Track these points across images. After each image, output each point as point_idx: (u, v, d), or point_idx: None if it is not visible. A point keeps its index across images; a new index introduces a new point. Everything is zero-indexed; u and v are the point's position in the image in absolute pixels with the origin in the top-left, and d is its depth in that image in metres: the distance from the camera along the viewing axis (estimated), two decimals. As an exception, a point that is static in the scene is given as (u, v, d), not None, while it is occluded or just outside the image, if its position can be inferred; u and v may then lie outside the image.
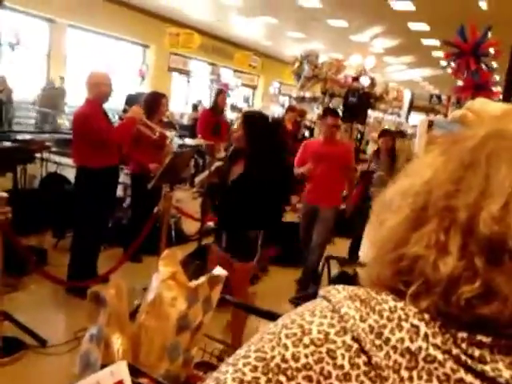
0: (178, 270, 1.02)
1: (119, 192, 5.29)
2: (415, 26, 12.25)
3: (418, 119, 24.55)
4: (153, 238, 3.85)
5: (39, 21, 13.58)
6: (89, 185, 4.09)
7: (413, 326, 0.54)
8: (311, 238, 4.78)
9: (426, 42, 13.98)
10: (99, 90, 3.98)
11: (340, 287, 0.61)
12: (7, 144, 4.25)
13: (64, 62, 14.71)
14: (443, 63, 11.07)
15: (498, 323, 0.52)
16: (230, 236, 3.16)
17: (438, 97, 22.35)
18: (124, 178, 5.18)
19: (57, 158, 5.71)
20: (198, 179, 5.14)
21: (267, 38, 18.54)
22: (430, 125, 0.77)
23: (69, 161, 5.61)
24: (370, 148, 13.06)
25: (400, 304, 0.56)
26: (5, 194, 2.74)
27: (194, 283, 1.02)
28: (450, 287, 0.53)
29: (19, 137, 4.82)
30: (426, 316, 0.55)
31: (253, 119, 3.22)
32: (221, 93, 7.37)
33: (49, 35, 14.13)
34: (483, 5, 9.54)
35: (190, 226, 5.70)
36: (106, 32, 15.42)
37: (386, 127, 16.42)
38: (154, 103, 4.88)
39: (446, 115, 21.11)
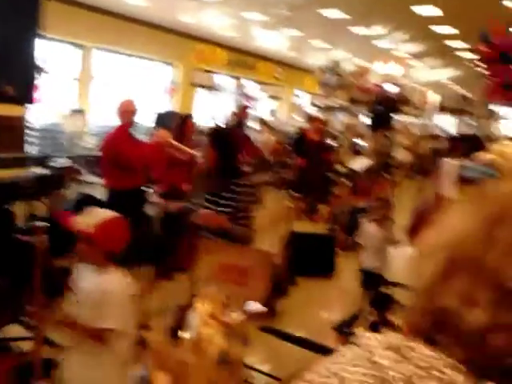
0: (216, 308, 1.05)
1: (151, 212, 5.38)
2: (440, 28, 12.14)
3: (447, 121, 24.12)
4: (182, 254, 3.93)
5: (67, 45, 13.91)
6: (118, 205, 4.21)
7: (444, 374, 0.56)
8: None
9: (450, 43, 13.82)
10: (126, 116, 4.32)
11: (372, 336, 0.62)
12: (44, 171, 4.41)
13: (90, 84, 15.00)
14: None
15: None
16: None
17: (466, 98, 21.97)
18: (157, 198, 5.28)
19: (87, 178, 5.87)
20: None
21: (291, 49, 18.57)
22: (460, 168, 0.78)
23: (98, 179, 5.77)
24: (399, 155, 12.88)
25: (433, 353, 0.57)
26: (43, 224, 2.83)
27: (231, 320, 1.05)
28: (479, 338, 0.55)
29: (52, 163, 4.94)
30: (457, 365, 0.56)
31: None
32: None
33: (79, 59, 14.49)
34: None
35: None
36: (131, 52, 15.73)
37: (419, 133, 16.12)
38: (181, 126, 5.07)
39: (472, 115, 20.74)
